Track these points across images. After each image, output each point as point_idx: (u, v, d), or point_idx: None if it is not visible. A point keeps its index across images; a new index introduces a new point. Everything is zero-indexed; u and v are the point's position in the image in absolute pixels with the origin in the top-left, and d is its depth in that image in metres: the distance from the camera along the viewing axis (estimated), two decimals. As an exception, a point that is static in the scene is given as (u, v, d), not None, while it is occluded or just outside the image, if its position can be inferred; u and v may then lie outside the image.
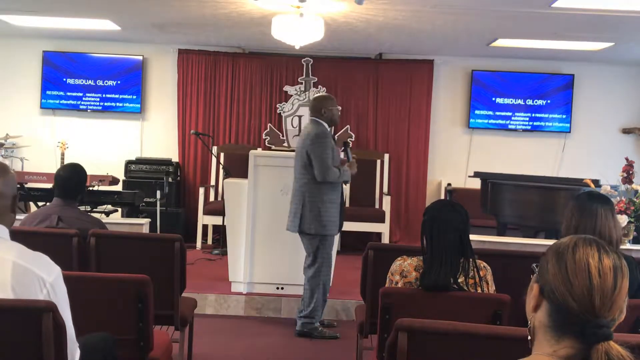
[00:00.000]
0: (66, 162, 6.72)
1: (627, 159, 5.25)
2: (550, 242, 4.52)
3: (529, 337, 1.34)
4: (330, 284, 4.61)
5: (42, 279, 1.87)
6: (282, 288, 5.02)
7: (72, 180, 3.48)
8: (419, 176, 7.92)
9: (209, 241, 7.43)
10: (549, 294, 1.27)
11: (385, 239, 7.18)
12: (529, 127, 7.98)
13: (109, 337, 2.45)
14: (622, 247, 3.83)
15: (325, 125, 4.42)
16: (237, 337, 4.55)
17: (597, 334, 1.19)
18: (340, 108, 4.51)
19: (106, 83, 7.89)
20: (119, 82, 7.89)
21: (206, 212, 7.08)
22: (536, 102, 7.95)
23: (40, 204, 6.11)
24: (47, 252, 1.95)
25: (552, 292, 1.26)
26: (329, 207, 4.37)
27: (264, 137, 7.88)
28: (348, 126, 7.83)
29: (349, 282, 5.08)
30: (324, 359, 4.17)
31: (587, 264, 1.24)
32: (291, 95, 7.90)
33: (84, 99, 7.91)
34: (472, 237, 2.66)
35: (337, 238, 5.00)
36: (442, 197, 7.83)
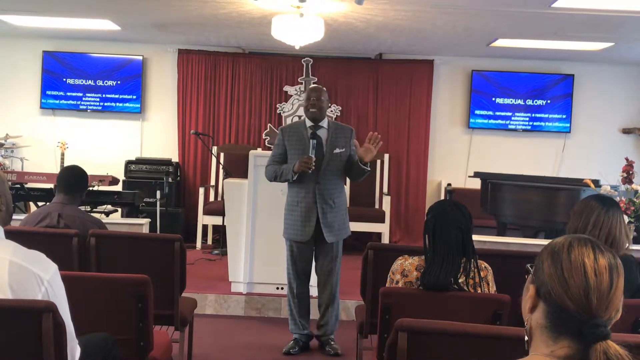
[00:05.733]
0: (66, 162, 6.78)
1: (627, 159, 5.25)
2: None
3: (526, 338, 1.34)
4: (295, 292, 4.20)
5: (40, 277, 1.86)
6: (282, 288, 5.01)
7: (76, 176, 3.55)
8: (419, 176, 7.92)
9: (209, 241, 7.43)
10: (546, 295, 1.27)
11: (385, 239, 7.18)
12: (529, 127, 7.98)
13: (110, 337, 2.45)
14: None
15: (304, 119, 4.23)
16: (237, 337, 4.55)
17: (594, 333, 1.20)
18: (314, 100, 4.12)
19: (106, 83, 7.90)
20: (119, 82, 7.89)
21: (206, 212, 7.08)
22: (536, 102, 7.95)
23: (40, 203, 6.11)
24: (47, 252, 1.95)
25: (549, 292, 1.26)
26: (287, 210, 4.18)
27: (264, 137, 7.88)
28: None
29: (349, 282, 5.08)
30: (324, 359, 4.17)
31: (583, 263, 1.25)
32: (291, 95, 7.90)
33: (84, 99, 7.91)
34: (472, 237, 2.66)
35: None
36: (442, 197, 7.83)
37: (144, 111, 7.98)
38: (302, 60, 7.86)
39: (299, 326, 4.24)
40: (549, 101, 7.95)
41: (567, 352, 1.24)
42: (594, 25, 5.85)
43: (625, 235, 2.65)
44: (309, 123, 4.17)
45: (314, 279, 4.31)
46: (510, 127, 7.99)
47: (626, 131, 7.99)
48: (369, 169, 4.04)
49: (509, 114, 7.99)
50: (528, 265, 1.37)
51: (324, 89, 4.28)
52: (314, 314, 4.35)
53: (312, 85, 4.28)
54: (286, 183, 4.22)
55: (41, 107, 7.92)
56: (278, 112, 7.91)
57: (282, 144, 4.18)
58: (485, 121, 7.99)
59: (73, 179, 3.54)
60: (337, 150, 4.10)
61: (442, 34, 6.63)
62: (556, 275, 1.26)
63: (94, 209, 6.27)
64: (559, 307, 1.24)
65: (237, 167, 6.82)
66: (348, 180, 6.05)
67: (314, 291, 4.37)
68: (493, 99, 7.96)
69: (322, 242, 4.12)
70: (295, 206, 4.11)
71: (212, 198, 7.54)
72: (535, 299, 1.30)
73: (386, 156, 7.82)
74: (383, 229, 7.20)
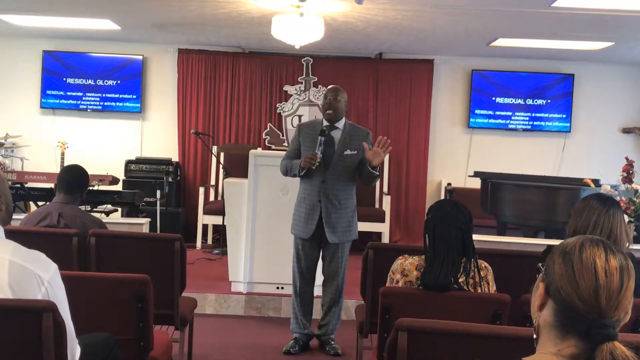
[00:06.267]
0: (66, 161, 6.78)
1: (627, 159, 5.26)
2: (550, 242, 4.54)
3: (535, 336, 1.34)
4: (299, 290, 4.20)
5: (40, 277, 1.86)
6: (282, 288, 5.01)
7: (76, 176, 3.55)
8: (419, 176, 7.92)
9: (209, 241, 7.43)
10: (555, 293, 1.27)
11: (385, 239, 7.18)
12: (529, 127, 7.98)
13: (110, 337, 2.45)
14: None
15: (321, 118, 4.23)
16: (237, 337, 4.55)
17: (602, 334, 1.20)
18: (328, 99, 4.10)
19: (106, 83, 7.89)
20: (119, 82, 7.89)
21: (206, 212, 7.08)
22: (536, 102, 7.95)
23: (40, 203, 6.12)
24: (47, 251, 1.95)
25: (558, 291, 1.26)
26: (295, 206, 4.19)
27: (264, 137, 7.88)
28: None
29: (349, 282, 5.07)
30: (325, 358, 4.17)
31: (594, 263, 1.24)
32: (291, 95, 7.90)
33: (84, 98, 7.91)
34: (472, 236, 2.66)
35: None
36: (442, 197, 7.84)
37: (144, 111, 7.98)
38: (302, 60, 7.86)
39: (300, 325, 4.23)
40: (549, 101, 7.95)
41: (574, 351, 1.24)
42: (594, 25, 5.85)
43: (626, 234, 2.65)
44: (325, 122, 4.14)
45: (320, 279, 4.31)
46: (510, 126, 7.99)
47: (626, 131, 7.99)
48: (377, 173, 3.97)
49: (509, 113, 7.98)
50: (540, 264, 1.37)
51: (341, 88, 4.19)
52: (317, 313, 4.36)
53: (331, 86, 4.24)
54: (290, 183, 4.23)
55: (41, 107, 7.92)
56: (278, 111, 7.91)
57: (297, 139, 4.18)
58: (485, 121, 7.99)
59: (73, 179, 3.54)
60: (348, 152, 4.05)
61: (442, 34, 6.63)
62: (566, 274, 1.26)
63: (94, 209, 6.27)
64: (568, 306, 1.24)
65: (237, 167, 6.82)
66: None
67: (318, 291, 4.37)
68: (493, 98, 7.96)
69: (327, 243, 4.11)
70: (302, 202, 4.12)
71: (212, 198, 7.54)
72: (545, 297, 1.30)
73: (386, 156, 7.80)
74: (383, 228, 7.21)
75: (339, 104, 4.09)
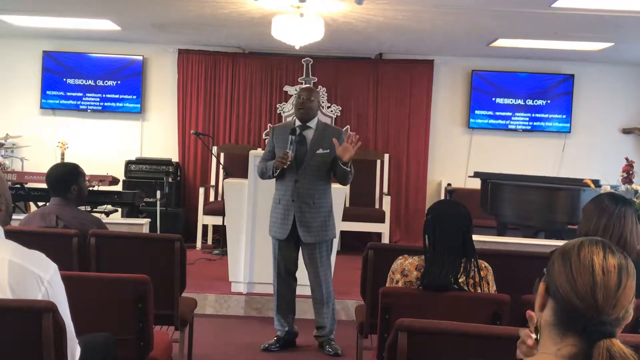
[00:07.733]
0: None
1: (627, 159, 5.26)
2: (550, 242, 4.54)
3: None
4: (277, 291, 4.27)
5: (40, 277, 1.86)
6: (282, 288, 5.00)
7: (58, 176, 3.42)
8: (419, 176, 7.92)
9: (209, 241, 7.43)
10: (554, 293, 1.28)
11: (385, 239, 7.18)
12: (529, 127, 7.98)
13: (110, 337, 2.45)
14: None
15: (295, 119, 4.23)
16: (237, 337, 4.55)
17: (599, 331, 1.20)
18: (302, 98, 4.12)
19: (106, 83, 7.89)
20: (118, 82, 7.89)
21: (206, 212, 7.08)
22: (536, 102, 7.95)
23: (40, 204, 6.12)
24: (46, 252, 1.94)
25: (557, 290, 1.27)
26: (271, 208, 4.21)
27: (264, 137, 7.88)
28: (348, 126, 7.83)
29: (349, 282, 5.08)
30: (325, 358, 4.17)
31: (592, 261, 1.26)
32: (291, 96, 7.90)
33: (84, 99, 7.91)
34: (472, 236, 2.66)
35: (335, 241, 4.57)
36: (442, 197, 7.84)
37: (144, 111, 7.98)
38: (302, 60, 7.86)
39: (280, 323, 4.28)
40: (549, 101, 7.95)
41: (572, 350, 1.25)
42: (594, 25, 5.85)
43: (637, 237, 2.58)
44: (298, 123, 4.17)
45: (305, 279, 4.33)
46: (510, 127, 7.99)
47: (626, 131, 7.99)
48: (349, 168, 3.97)
49: (509, 114, 7.98)
50: (545, 269, 1.38)
51: (316, 89, 4.26)
52: (307, 314, 4.36)
53: (304, 85, 4.30)
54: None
55: (41, 107, 7.92)
56: (278, 112, 7.91)
57: (272, 142, 4.22)
58: (486, 121, 7.99)
59: (55, 179, 3.42)
60: (321, 151, 4.06)
61: (442, 34, 6.63)
62: (565, 272, 1.27)
63: (94, 209, 6.27)
64: (566, 304, 1.25)
65: (237, 167, 6.82)
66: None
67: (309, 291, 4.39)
68: (493, 99, 7.96)
69: (304, 243, 4.12)
70: (278, 204, 4.15)
71: (212, 198, 7.54)
72: (545, 297, 1.31)
73: (386, 156, 7.82)
74: (383, 229, 7.20)
75: (311, 104, 4.13)
